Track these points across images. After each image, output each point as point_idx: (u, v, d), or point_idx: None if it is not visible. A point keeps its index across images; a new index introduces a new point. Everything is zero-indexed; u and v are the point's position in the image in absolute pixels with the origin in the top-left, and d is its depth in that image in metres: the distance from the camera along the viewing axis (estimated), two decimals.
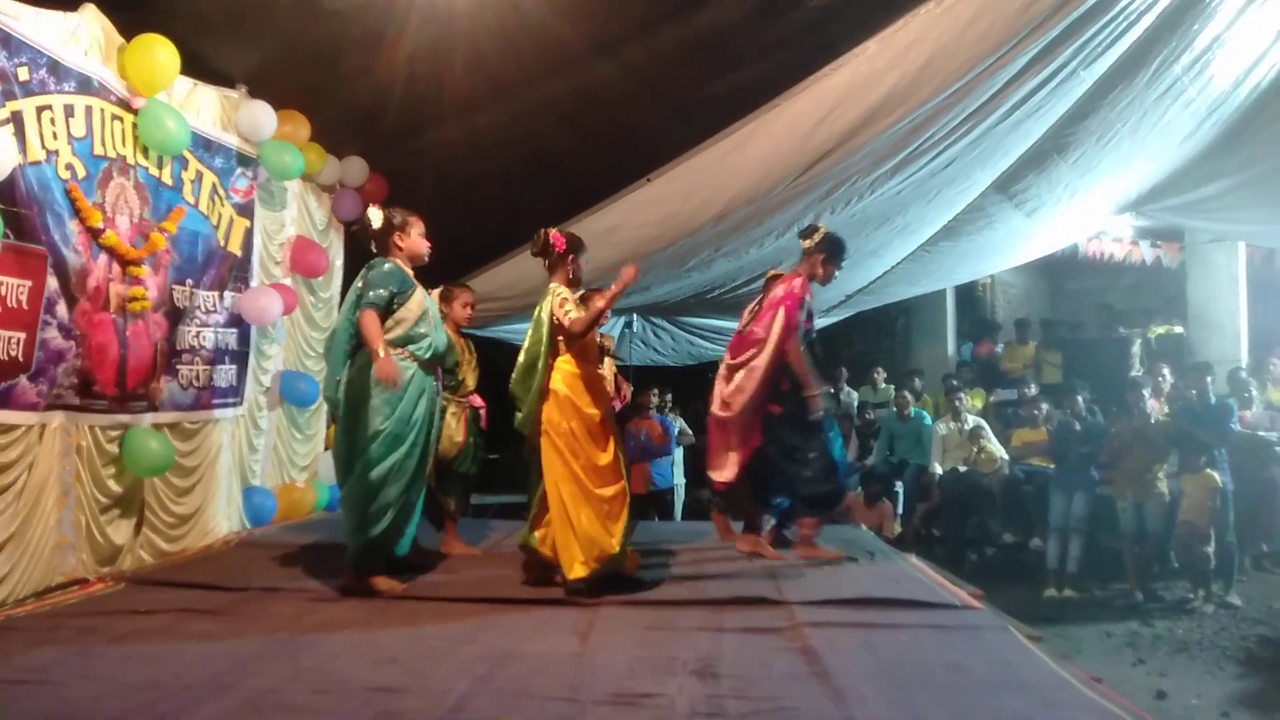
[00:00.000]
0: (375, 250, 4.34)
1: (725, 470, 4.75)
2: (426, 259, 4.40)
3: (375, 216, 4.28)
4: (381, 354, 3.94)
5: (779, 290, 4.68)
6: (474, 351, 5.27)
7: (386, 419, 4.03)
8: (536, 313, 4.20)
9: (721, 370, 4.88)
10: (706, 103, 5.50)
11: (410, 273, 4.28)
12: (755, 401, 4.62)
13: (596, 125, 5.75)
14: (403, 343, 4.13)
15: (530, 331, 4.19)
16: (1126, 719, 2.56)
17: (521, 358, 4.18)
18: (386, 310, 4.09)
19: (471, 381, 5.17)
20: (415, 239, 4.32)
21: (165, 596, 3.97)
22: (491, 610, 3.82)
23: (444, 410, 4.84)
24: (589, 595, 3.91)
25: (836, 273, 4.86)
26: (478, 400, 5.23)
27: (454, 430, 4.98)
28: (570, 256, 4.22)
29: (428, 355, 4.21)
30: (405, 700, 2.67)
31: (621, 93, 5.49)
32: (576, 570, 3.93)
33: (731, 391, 4.71)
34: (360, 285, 4.13)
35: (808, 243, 4.78)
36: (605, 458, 4.06)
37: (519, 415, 4.16)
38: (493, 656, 3.12)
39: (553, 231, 4.25)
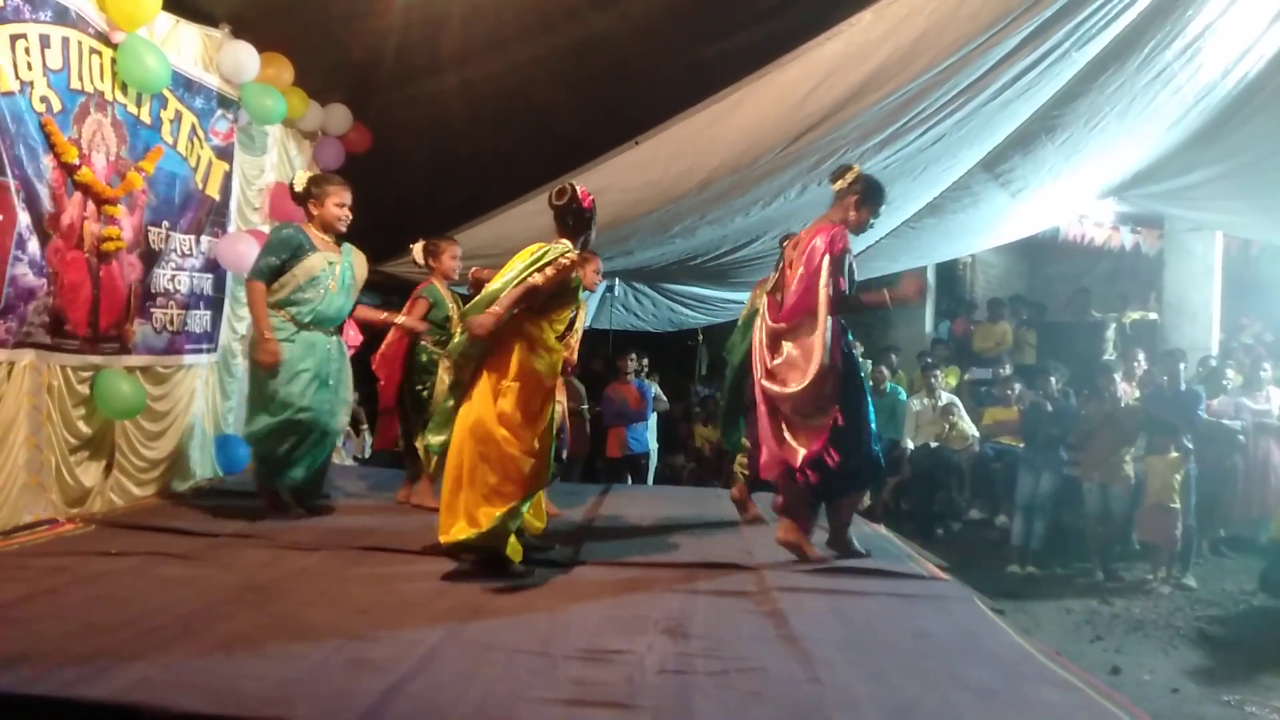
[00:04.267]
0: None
1: (797, 453, 3.93)
2: (342, 228, 4.52)
3: (299, 180, 4.47)
4: (266, 335, 4.24)
5: (817, 242, 3.94)
6: (461, 308, 5.21)
7: (270, 379, 4.32)
8: (536, 255, 3.67)
9: (764, 338, 4.11)
10: (699, 65, 5.44)
11: (322, 238, 4.45)
12: (828, 376, 3.86)
13: (589, 82, 5.68)
14: (284, 304, 4.34)
15: (518, 268, 3.65)
16: (1087, 690, 2.62)
17: (495, 284, 3.65)
18: (275, 276, 4.33)
19: None
20: (329, 209, 4.43)
21: (136, 540, 3.95)
22: (464, 564, 3.82)
23: (436, 365, 4.91)
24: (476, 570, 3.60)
25: (872, 220, 4.17)
26: None
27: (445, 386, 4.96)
28: (591, 218, 3.88)
29: (308, 319, 4.39)
30: (376, 649, 2.68)
31: (616, 51, 5.42)
32: (460, 533, 3.50)
33: (783, 364, 3.98)
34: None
35: (840, 184, 4.07)
36: (535, 426, 3.60)
37: (455, 341, 3.72)
38: (464, 609, 3.13)
39: (583, 188, 3.86)
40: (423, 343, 4.99)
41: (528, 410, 3.57)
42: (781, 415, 4.02)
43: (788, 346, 3.98)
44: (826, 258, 3.86)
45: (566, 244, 3.77)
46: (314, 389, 4.42)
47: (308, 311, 4.40)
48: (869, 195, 4.08)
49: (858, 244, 7.66)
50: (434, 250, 5.07)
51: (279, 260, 4.32)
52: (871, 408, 4.14)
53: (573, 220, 3.83)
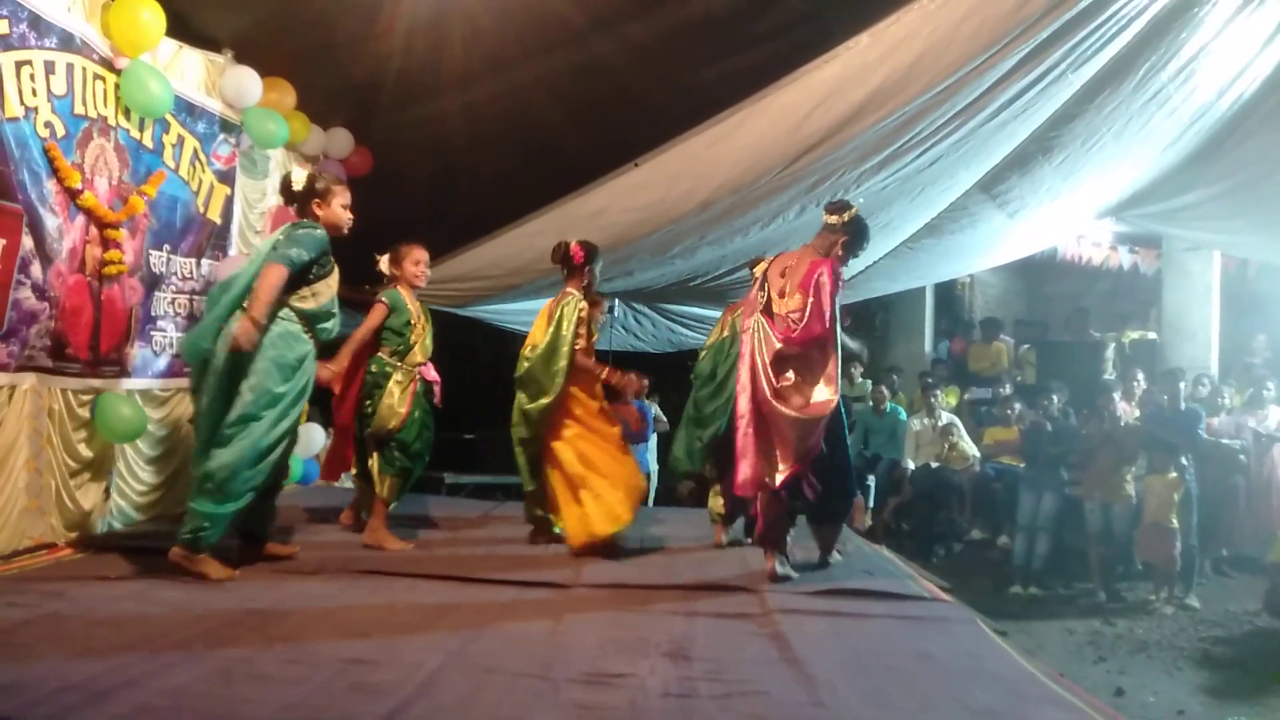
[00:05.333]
0: (296, 214, 4.10)
1: (779, 471, 4.05)
2: (345, 231, 4.10)
3: (299, 178, 4.05)
4: (259, 319, 3.65)
5: (820, 275, 4.07)
6: (429, 320, 4.93)
7: (284, 385, 3.79)
8: (556, 313, 4.62)
9: (766, 357, 4.14)
10: (699, 88, 5.50)
11: None
12: (828, 408, 4.03)
13: (590, 104, 5.73)
14: (308, 315, 3.88)
15: (551, 329, 4.61)
16: (1091, 714, 2.61)
17: (542, 348, 4.60)
18: (299, 278, 3.83)
19: (421, 353, 4.79)
20: (336, 209, 4.02)
21: (135, 564, 3.93)
22: (463, 588, 3.83)
23: (386, 377, 4.63)
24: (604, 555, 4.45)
25: (853, 258, 4.45)
26: (431, 374, 4.85)
27: (396, 400, 4.59)
28: (587, 266, 4.74)
29: (326, 339, 4.02)
30: (377, 672, 2.66)
31: (617, 73, 5.48)
32: (588, 536, 4.47)
33: (792, 386, 4.07)
34: (281, 239, 3.86)
35: (834, 219, 4.21)
36: (614, 433, 4.71)
37: (544, 400, 4.58)
38: (465, 633, 3.12)
39: (573, 244, 4.72)
40: (379, 354, 4.69)
41: (606, 426, 4.70)
42: (778, 435, 4.07)
43: (792, 371, 4.10)
44: (829, 297, 4.06)
45: (574, 293, 4.68)
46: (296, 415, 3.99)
47: (330, 329, 4.00)
48: (857, 238, 4.29)
49: (855, 263, 7.72)
50: (396, 256, 4.83)
51: (309, 258, 3.81)
52: (849, 444, 4.38)
53: (568, 271, 4.77)
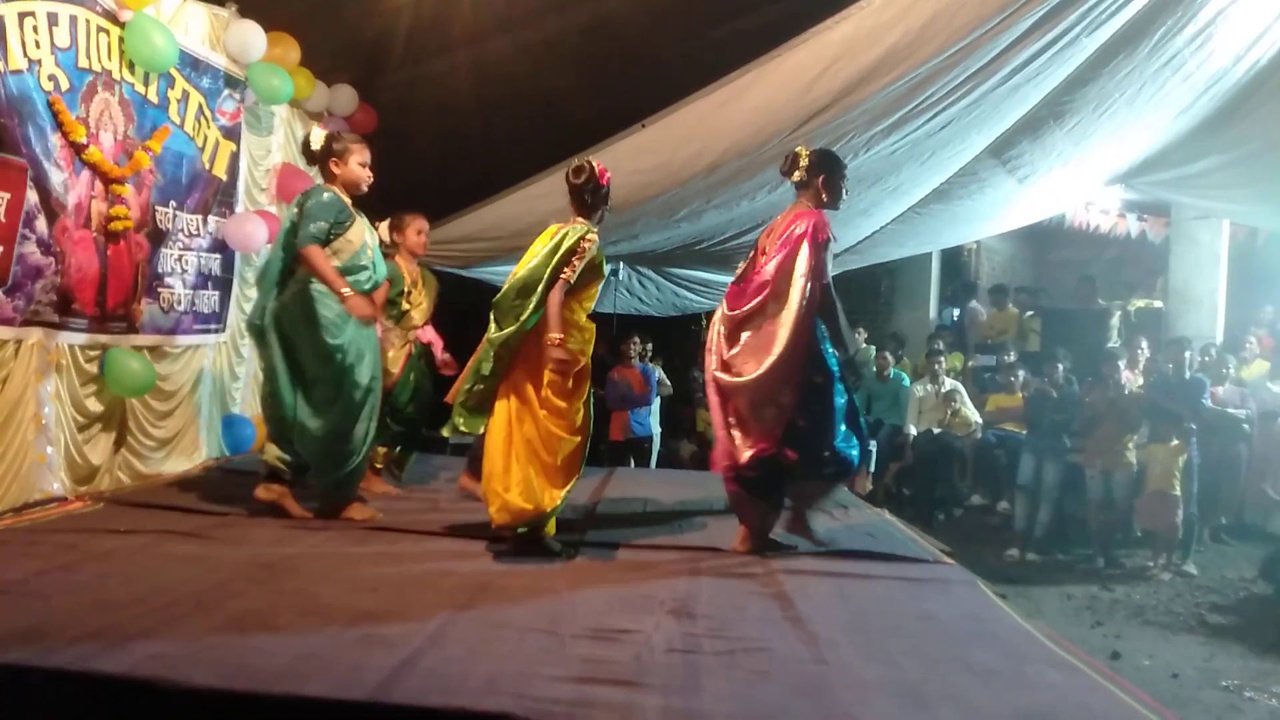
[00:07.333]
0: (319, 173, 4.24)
1: (742, 450, 3.77)
2: (365, 189, 4.22)
3: (316, 137, 4.15)
4: (347, 292, 3.94)
5: (796, 227, 3.76)
6: (427, 284, 5.05)
7: (343, 354, 4.02)
8: (557, 239, 3.76)
9: (721, 328, 3.92)
10: (709, 48, 5.43)
11: (348, 202, 4.12)
12: (787, 367, 3.68)
13: (598, 64, 5.67)
14: (342, 273, 4.02)
15: (543, 254, 3.75)
16: (1089, 674, 2.64)
17: (521, 272, 3.76)
18: (325, 243, 4.00)
19: (420, 316, 4.92)
20: (353, 168, 4.12)
21: (145, 517, 3.97)
22: (470, 544, 3.86)
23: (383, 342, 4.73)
24: (513, 551, 3.68)
25: (845, 187, 4.02)
26: (427, 335, 4.96)
27: (388, 361, 4.67)
28: (607, 194, 3.95)
29: (367, 288, 4.13)
30: (387, 625, 2.71)
31: (625, 33, 5.41)
32: (502, 517, 3.63)
33: (740, 353, 3.79)
34: (296, 214, 4.02)
35: (798, 173, 3.92)
36: (574, 405, 3.74)
37: (496, 331, 3.74)
38: (472, 587, 3.16)
39: (599, 164, 3.92)
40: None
41: (564, 390, 3.70)
42: (733, 408, 3.80)
43: (746, 335, 3.80)
44: (807, 244, 3.70)
45: (584, 224, 3.83)
46: (373, 362, 4.22)
47: (366, 279, 4.12)
48: (829, 165, 3.95)
49: (863, 228, 7.68)
50: (399, 225, 4.87)
51: (328, 223, 3.98)
52: (840, 407, 3.79)
53: (590, 197, 3.88)
